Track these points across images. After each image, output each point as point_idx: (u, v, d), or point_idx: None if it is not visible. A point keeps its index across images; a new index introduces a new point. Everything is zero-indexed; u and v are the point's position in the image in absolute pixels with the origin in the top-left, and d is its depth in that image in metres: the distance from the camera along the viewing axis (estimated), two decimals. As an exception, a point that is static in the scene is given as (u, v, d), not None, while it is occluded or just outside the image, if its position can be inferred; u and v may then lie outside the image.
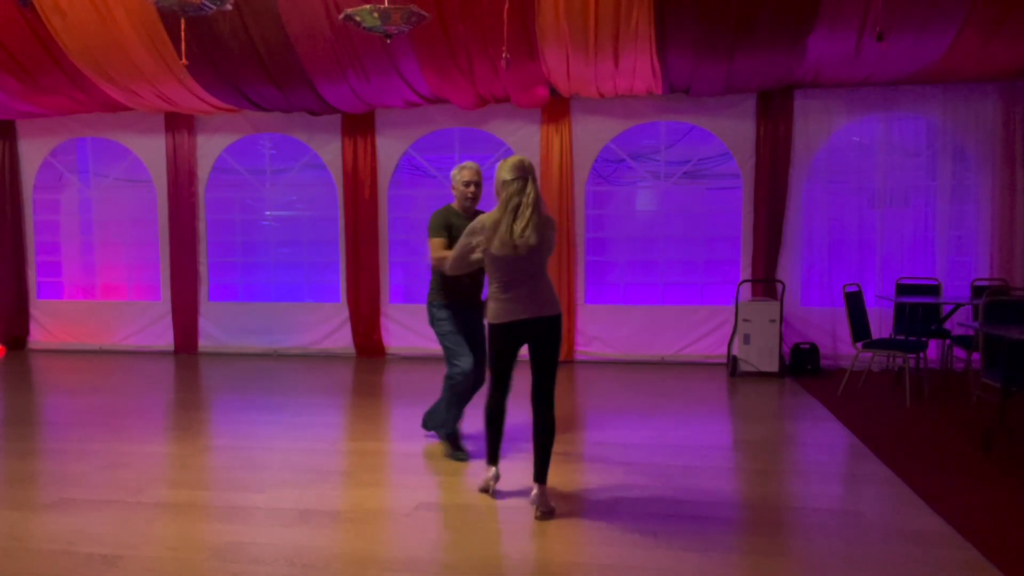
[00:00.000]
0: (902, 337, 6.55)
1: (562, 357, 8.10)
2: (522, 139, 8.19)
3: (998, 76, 7.21)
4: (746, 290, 7.79)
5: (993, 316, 5.08)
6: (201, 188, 8.88)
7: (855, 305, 6.38)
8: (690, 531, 3.54)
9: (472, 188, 4.61)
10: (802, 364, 7.43)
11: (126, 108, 8.52)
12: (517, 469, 4.33)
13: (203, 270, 8.96)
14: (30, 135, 9.19)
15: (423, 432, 5.11)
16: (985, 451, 4.72)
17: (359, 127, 8.43)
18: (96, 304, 9.36)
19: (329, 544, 3.43)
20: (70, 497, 4.02)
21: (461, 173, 4.61)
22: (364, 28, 4.37)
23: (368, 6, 4.26)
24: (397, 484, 4.25)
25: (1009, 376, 4.72)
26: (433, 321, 4.59)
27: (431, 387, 6.99)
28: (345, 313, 8.68)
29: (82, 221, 9.55)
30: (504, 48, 5.95)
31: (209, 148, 8.83)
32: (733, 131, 7.84)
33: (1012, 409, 5.23)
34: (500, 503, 3.92)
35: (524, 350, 3.79)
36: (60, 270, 9.63)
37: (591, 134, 8.02)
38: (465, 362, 4.42)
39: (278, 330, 8.85)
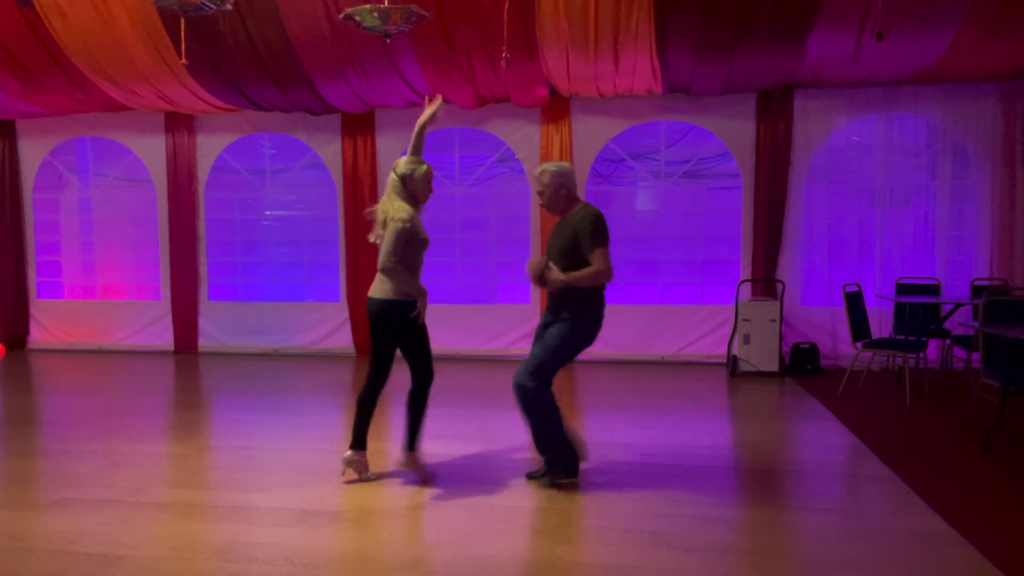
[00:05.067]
0: (902, 337, 6.55)
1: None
2: (522, 139, 8.19)
3: (998, 76, 7.21)
4: (746, 290, 7.79)
5: (993, 316, 5.08)
6: (201, 188, 8.88)
7: (855, 305, 6.38)
8: (690, 531, 3.54)
9: (538, 197, 4.31)
10: (802, 364, 7.43)
11: (126, 108, 8.52)
12: (511, 468, 4.33)
13: (203, 270, 8.96)
14: (30, 135, 9.19)
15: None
16: (985, 451, 4.72)
17: (359, 127, 8.43)
18: (96, 304, 9.36)
19: (329, 544, 3.43)
20: (70, 497, 4.02)
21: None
22: (364, 28, 4.37)
23: (368, 6, 4.27)
24: (397, 484, 4.25)
25: (1009, 376, 4.72)
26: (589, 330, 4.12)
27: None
28: (345, 313, 8.68)
29: (82, 221, 9.55)
30: (504, 48, 5.95)
31: (209, 148, 8.83)
32: (733, 131, 7.84)
33: (1012, 409, 5.23)
34: (500, 503, 3.92)
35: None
36: (60, 270, 9.63)
37: (591, 134, 8.02)
38: None
39: (278, 330, 8.85)
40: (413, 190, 4.17)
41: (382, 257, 3.98)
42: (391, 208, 4.08)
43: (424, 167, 4.21)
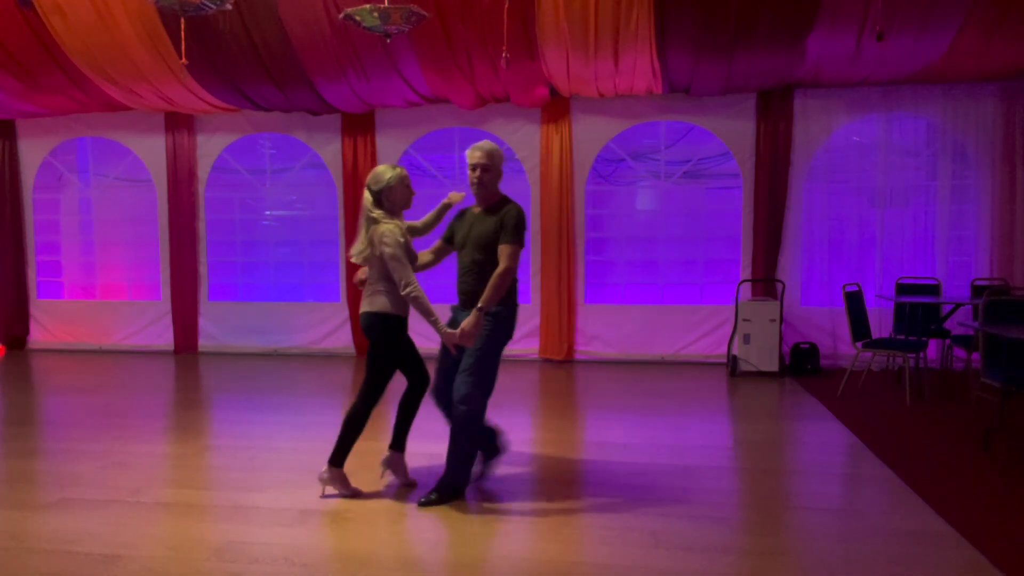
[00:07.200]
0: (902, 337, 6.55)
1: (562, 356, 8.14)
2: (522, 139, 8.19)
3: (998, 76, 7.21)
4: (746, 290, 7.79)
5: (993, 316, 5.08)
6: (201, 188, 8.88)
7: (855, 305, 6.38)
8: (690, 531, 3.54)
9: (476, 172, 3.92)
10: (802, 364, 7.43)
11: (126, 108, 8.52)
12: (510, 468, 4.33)
13: (203, 270, 8.96)
14: (30, 135, 9.19)
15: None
16: (985, 451, 4.72)
17: (359, 127, 8.43)
18: (96, 304, 9.36)
19: (329, 544, 3.43)
20: (70, 497, 4.02)
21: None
22: (364, 28, 4.37)
23: (368, 6, 4.27)
24: (397, 484, 4.25)
25: (1009, 376, 4.72)
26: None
27: (431, 387, 7.00)
28: (345, 313, 8.68)
29: (82, 221, 9.55)
30: (504, 48, 5.95)
31: (209, 148, 8.83)
32: (733, 131, 7.84)
33: (1012, 409, 5.24)
34: (499, 503, 3.92)
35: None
36: (60, 270, 9.63)
37: (591, 134, 8.02)
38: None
39: (278, 330, 8.85)
40: (392, 200, 3.87)
41: (401, 285, 3.73)
42: (376, 228, 3.81)
43: (398, 170, 3.89)
